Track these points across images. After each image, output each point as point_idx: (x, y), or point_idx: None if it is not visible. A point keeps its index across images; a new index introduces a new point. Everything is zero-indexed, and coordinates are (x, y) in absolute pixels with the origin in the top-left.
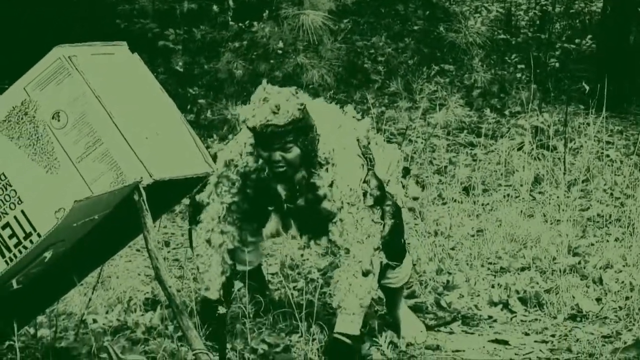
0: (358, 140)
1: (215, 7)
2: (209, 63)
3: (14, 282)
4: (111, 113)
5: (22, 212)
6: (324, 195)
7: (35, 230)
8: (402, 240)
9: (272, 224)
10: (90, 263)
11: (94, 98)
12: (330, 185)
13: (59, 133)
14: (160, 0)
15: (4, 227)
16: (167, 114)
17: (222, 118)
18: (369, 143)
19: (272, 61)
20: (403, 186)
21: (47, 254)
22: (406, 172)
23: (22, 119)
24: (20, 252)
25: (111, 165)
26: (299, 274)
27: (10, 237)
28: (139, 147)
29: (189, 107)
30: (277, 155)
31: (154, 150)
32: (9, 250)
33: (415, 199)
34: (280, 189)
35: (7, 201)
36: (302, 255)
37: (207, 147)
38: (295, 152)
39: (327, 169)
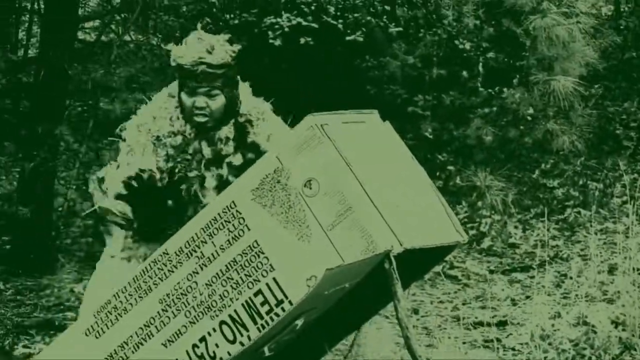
0: None
1: (464, 73)
2: (458, 129)
3: (266, 349)
4: (362, 181)
5: (274, 279)
6: (264, 150)
7: (286, 297)
8: None
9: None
10: (340, 330)
11: (346, 166)
12: (267, 140)
13: (310, 201)
14: (409, 67)
15: (256, 294)
16: (417, 181)
17: (471, 185)
18: None
19: (521, 127)
20: None
21: (299, 322)
22: None
23: (274, 186)
24: (272, 319)
25: (362, 234)
26: (549, 344)
27: (262, 304)
28: (389, 215)
29: (437, 173)
30: (202, 101)
31: (404, 218)
32: (261, 317)
33: None
34: (204, 147)
35: (259, 268)
36: (552, 325)
37: (457, 214)
38: (220, 100)
39: (258, 125)
